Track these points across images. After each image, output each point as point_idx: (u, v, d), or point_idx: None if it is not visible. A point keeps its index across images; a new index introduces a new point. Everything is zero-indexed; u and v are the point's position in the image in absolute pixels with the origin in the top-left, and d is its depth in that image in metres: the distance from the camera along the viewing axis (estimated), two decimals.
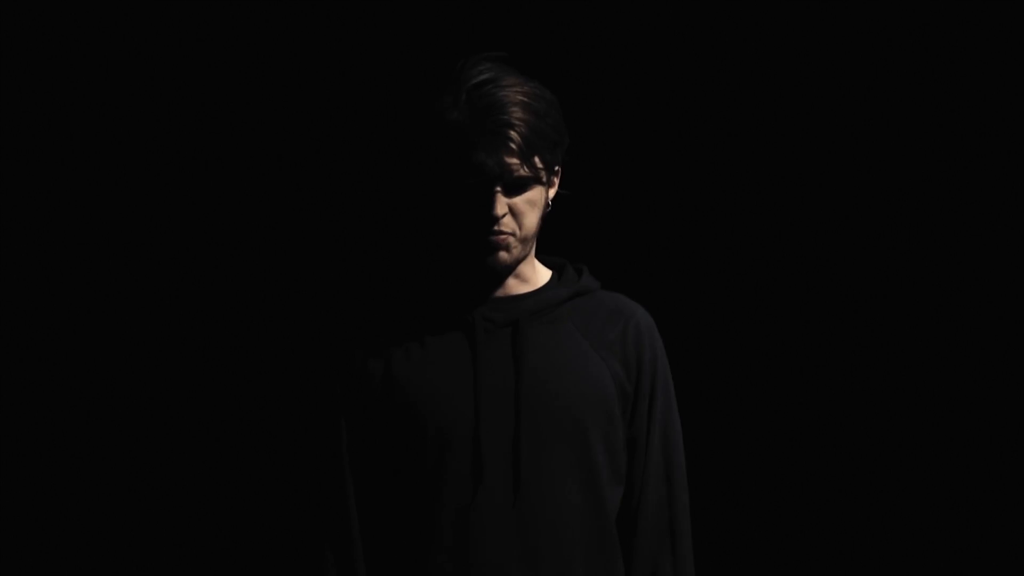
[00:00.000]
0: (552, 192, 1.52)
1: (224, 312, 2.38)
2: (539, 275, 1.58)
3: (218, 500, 2.37)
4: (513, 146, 1.40)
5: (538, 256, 1.58)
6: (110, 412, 2.38)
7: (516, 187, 1.44)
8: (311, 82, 2.35)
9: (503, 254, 1.47)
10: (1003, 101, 2.35)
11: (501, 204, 1.43)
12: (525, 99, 1.41)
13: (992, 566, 2.31)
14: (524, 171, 1.42)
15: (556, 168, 1.50)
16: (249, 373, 2.37)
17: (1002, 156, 2.36)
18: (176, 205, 2.37)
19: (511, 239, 1.46)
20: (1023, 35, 2.33)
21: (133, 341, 2.38)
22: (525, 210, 1.46)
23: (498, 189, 1.42)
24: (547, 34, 2.30)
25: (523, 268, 1.54)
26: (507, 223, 1.44)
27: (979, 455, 2.37)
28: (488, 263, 1.47)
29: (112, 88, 2.37)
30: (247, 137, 2.36)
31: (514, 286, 1.54)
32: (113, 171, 2.38)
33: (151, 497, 2.37)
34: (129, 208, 2.38)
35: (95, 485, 2.39)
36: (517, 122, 1.39)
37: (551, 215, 1.55)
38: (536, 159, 1.43)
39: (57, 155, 2.37)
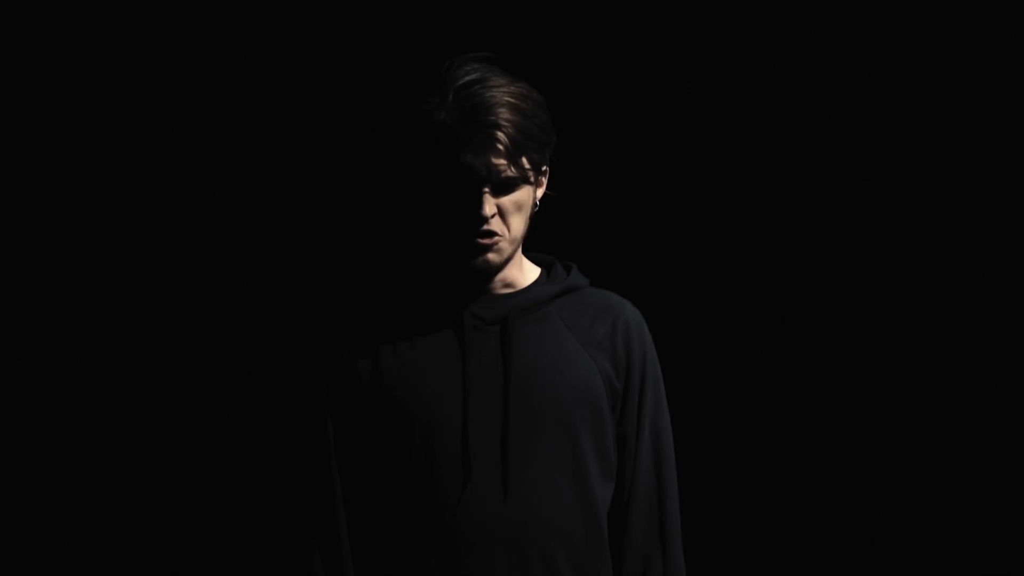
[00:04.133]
0: (540, 192, 1.53)
1: (213, 310, 2.38)
2: (527, 273, 1.58)
3: (207, 499, 2.37)
4: (501, 147, 1.40)
5: (526, 254, 1.59)
6: (98, 410, 2.38)
7: (504, 188, 1.44)
8: (301, 82, 2.35)
9: (491, 256, 1.47)
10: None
11: (489, 205, 1.43)
12: (512, 99, 1.42)
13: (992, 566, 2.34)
14: (512, 172, 1.43)
15: (544, 168, 1.51)
16: (237, 371, 2.37)
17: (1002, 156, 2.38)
18: (166, 202, 2.37)
19: (500, 241, 1.47)
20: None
21: (120, 339, 2.38)
22: (513, 210, 1.46)
23: (486, 190, 1.43)
24: (533, 34, 2.30)
25: (512, 266, 1.54)
26: (495, 224, 1.45)
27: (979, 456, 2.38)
28: (477, 265, 1.48)
29: (106, 86, 2.37)
30: (238, 135, 2.36)
31: (503, 284, 1.55)
32: (99, 166, 2.38)
33: (139, 496, 2.37)
34: (114, 203, 2.38)
35: (83, 485, 2.39)
36: (504, 123, 1.40)
37: (539, 214, 1.55)
38: (524, 160, 1.43)
39: (52, 153, 2.37)
